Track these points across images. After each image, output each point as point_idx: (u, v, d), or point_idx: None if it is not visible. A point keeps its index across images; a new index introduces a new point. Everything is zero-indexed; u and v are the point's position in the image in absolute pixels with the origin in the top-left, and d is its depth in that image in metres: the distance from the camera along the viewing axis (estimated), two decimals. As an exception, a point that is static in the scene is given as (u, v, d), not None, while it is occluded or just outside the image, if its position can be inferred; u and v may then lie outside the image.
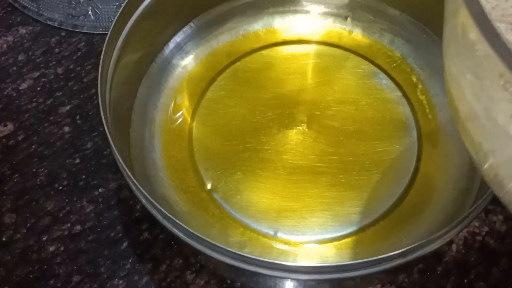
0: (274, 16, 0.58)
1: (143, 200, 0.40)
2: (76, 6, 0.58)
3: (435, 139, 0.51)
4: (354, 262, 0.38)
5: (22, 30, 0.58)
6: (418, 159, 0.50)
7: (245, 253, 0.38)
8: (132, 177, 0.39)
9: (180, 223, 0.38)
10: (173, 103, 0.53)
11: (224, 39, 0.56)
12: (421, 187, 0.49)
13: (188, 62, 0.55)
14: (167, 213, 0.38)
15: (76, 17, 0.58)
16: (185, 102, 0.53)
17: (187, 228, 0.38)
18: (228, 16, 0.56)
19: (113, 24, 0.46)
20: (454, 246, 0.47)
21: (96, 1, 0.58)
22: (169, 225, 0.39)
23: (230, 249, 0.37)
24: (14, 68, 0.56)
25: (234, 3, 0.56)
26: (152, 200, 0.39)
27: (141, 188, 0.39)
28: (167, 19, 0.53)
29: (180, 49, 0.55)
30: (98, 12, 0.58)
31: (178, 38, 0.55)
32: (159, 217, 0.39)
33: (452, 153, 0.50)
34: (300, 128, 0.52)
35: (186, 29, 0.55)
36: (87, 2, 0.58)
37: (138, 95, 0.52)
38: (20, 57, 0.57)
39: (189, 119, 0.52)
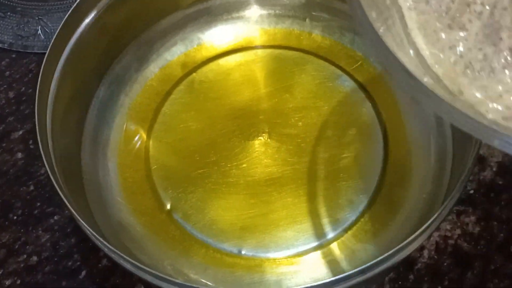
0: (229, 22, 0.56)
1: (88, 232, 0.38)
2: (25, 26, 0.56)
3: (402, 140, 0.49)
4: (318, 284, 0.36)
5: (-29, 55, 0.56)
6: (385, 164, 0.48)
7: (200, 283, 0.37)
8: (73, 211, 0.37)
9: (125, 256, 0.36)
10: (126, 121, 0.51)
11: (177, 50, 0.54)
12: (388, 192, 0.47)
13: (141, 76, 0.53)
14: (112, 247, 0.36)
15: (26, 38, 0.56)
16: (140, 119, 0.51)
17: (133, 262, 0.36)
18: (180, 26, 0.54)
19: (52, 41, 0.45)
20: (425, 252, 0.45)
21: (46, 20, 0.56)
22: (116, 258, 0.37)
23: (178, 281, 0.35)
24: (-36, 95, 0.54)
25: (186, 12, 0.54)
26: (95, 235, 0.37)
27: (82, 222, 0.37)
28: (116, 32, 0.51)
29: (132, 64, 0.53)
30: (48, 31, 0.56)
31: (129, 52, 0.53)
32: (106, 250, 0.37)
33: (419, 155, 0.48)
34: (262, 138, 0.50)
35: (137, 42, 0.53)
36: (36, 22, 0.56)
37: (88, 115, 0.50)
38: (-31, 83, 0.55)
39: (145, 137, 0.50)
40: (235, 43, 0.55)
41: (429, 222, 0.36)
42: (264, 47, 0.55)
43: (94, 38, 0.49)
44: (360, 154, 0.49)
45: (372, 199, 0.47)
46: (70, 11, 0.46)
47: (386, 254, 0.35)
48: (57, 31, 0.45)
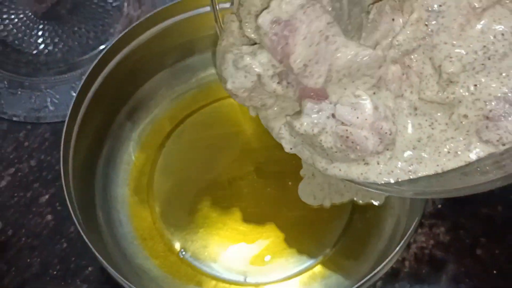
0: (208, 77, 0.63)
1: (118, 280, 0.46)
2: (36, 99, 0.63)
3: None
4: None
5: (-10, 130, 0.63)
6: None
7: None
8: (105, 262, 0.47)
9: None
10: (128, 176, 0.59)
11: (166, 105, 0.62)
12: (363, 212, 0.55)
13: (135, 134, 0.61)
14: None
15: (38, 110, 0.63)
16: (140, 173, 0.59)
17: None
18: (166, 82, 0.62)
19: (69, 112, 0.53)
20: (407, 263, 0.54)
21: (53, 92, 0.63)
22: None
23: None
24: (-9, 168, 0.61)
25: (171, 70, 0.62)
26: (125, 281, 0.46)
27: (114, 271, 0.47)
28: (111, 98, 0.59)
29: (127, 124, 0.61)
30: (57, 101, 0.63)
31: (122, 113, 0.61)
32: None
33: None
34: (250, 177, 0.58)
35: (130, 103, 0.61)
36: (45, 94, 0.63)
37: (96, 175, 0.58)
38: (-7, 157, 0.62)
39: (146, 189, 0.58)
40: (215, 94, 0.63)
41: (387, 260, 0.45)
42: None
43: (96, 107, 0.57)
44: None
45: (349, 221, 0.55)
46: (79, 87, 0.54)
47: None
48: (72, 104, 0.53)
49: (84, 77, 0.54)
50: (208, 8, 0.57)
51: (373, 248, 0.53)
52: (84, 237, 0.48)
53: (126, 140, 0.61)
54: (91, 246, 0.48)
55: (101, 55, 0.55)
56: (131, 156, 0.60)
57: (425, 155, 0.40)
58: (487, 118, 0.37)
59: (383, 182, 0.40)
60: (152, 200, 0.58)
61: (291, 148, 0.42)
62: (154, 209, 0.58)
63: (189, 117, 0.62)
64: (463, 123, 0.38)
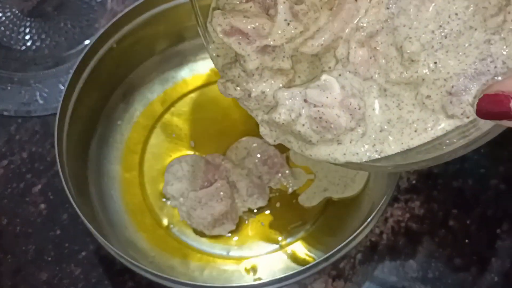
0: (198, 62, 0.66)
1: (112, 253, 0.49)
2: (25, 94, 0.66)
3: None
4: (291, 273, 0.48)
5: (-18, 125, 0.66)
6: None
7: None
8: (102, 238, 0.49)
9: (141, 265, 0.49)
10: (121, 154, 0.62)
11: (157, 89, 0.65)
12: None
13: (128, 114, 0.64)
14: (132, 261, 0.49)
15: (28, 104, 0.65)
16: (132, 151, 0.62)
17: (150, 270, 0.48)
18: (156, 68, 0.65)
19: (61, 102, 0.55)
20: (384, 235, 0.57)
21: (42, 87, 0.66)
22: (137, 270, 0.49)
23: (189, 282, 0.48)
24: (-16, 162, 0.64)
25: (161, 56, 0.65)
26: (119, 252, 0.49)
27: (111, 246, 0.49)
28: (105, 81, 0.62)
29: (120, 105, 0.64)
30: (46, 95, 0.66)
31: (117, 95, 0.64)
32: (128, 264, 0.49)
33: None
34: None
35: (123, 86, 0.64)
36: (34, 89, 0.66)
37: (90, 152, 0.61)
38: (-14, 150, 0.64)
39: (137, 167, 0.61)
40: (204, 79, 0.66)
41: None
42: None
43: (90, 90, 0.59)
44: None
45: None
46: (71, 73, 0.57)
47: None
48: (64, 93, 0.56)
49: (76, 63, 0.57)
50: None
51: (350, 226, 0.56)
52: (77, 209, 0.51)
53: (119, 120, 0.63)
54: (86, 222, 0.51)
55: (91, 42, 0.57)
56: (123, 135, 0.63)
57: (391, 136, 0.42)
58: (450, 94, 0.40)
59: (363, 161, 0.42)
60: (142, 177, 0.61)
61: (274, 141, 0.44)
62: (145, 186, 0.60)
63: (179, 100, 0.65)
64: (428, 101, 0.41)
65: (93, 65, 0.59)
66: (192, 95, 0.65)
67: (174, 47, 0.65)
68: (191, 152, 0.62)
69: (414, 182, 0.59)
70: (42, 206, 0.61)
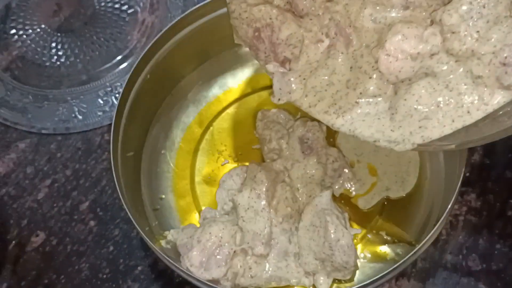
0: (226, 77, 0.65)
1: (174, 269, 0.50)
2: (63, 111, 0.65)
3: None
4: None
5: (22, 145, 0.65)
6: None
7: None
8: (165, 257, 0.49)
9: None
10: (171, 183, 0.61)
11: (192, 112, 0.64)
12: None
13: (171, 143, 0.63)
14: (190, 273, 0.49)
15: (67, 121, 0.64)
16: (181, 178, 0.61)
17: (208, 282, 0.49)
18: (188, 91, 0.65)
19: (112, 126, 0.55)
20: (443, 231, 0.57)
21: (80, 102, 0.65)
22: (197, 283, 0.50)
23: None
24: (27, 182, 0.63)
25: (190, 78, 0.64)
26: (178, 265, 0.49)
27: (168, 259, 0.49)
28: (145, 116, 0.61)
29: (160, 135, 0.63)
30: (84, 110, 0.65)
31: (155, 127, 0.63)
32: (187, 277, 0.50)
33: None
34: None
35: (159, 116, 0.63)
36: (72, 105, 0.65)
37: (141, 187, 0.60)
38: (28, 170, 0.63)
39: (190, 192, 0.60)
40: (236, 92, 0.65)
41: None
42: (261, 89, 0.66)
43: (132, 123, 0.58)
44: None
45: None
46: (120, 96, 0.56)
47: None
48: (115, 113, 0.55)
49: (121, 88, 0.56)
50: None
51: (411, 226, 0.56)
52: (134, 221, 0.50)
53: (162, 150, 0.62)
54: (146, 238, 0.50)
55: (129, 75, 0.57)
56: (169, 164, 0.62)
57: (443, 115, 0.43)
58: (504, 64, 0.41)
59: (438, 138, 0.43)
60: (197, 201, 0.60)
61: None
62: (201, 208, 0.60)
63: (216, 118, 0.64)
64: (480, 80, 0.41)
65: (132, 99, 0.58)
66: (227, 111, 0.65)
67: (200, 67, 0.65)
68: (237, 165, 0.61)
69: (468, 174, 0.59)
70: (92, 223, 0.60)
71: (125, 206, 0.51)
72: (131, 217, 0.51)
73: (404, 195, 0.57)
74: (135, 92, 0.58)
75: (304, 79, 0.48)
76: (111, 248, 0.59)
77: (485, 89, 0.41)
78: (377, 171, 0.58)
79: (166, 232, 0.56)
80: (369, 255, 0.55)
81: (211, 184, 0.60)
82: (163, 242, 0.55)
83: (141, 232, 0.50)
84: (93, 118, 0.64)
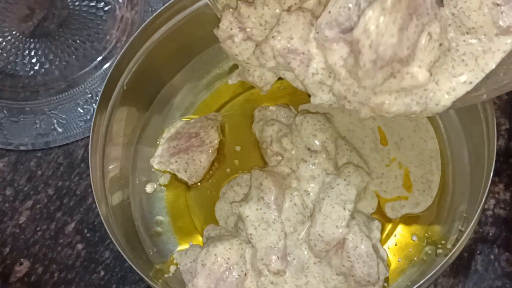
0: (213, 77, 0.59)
1: None
2: (41, 124, 0.59)
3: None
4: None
5: (-1, 164, 0.59)
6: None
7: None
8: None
9: None
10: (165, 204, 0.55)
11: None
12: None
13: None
14: None
15: (46, 134, 0.58)
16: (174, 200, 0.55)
17: None
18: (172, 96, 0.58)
19: (91, 132, 0.49)
20: (488, 212, 0.50)
21: (59, 113, 0.59)
22: None
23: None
24: (7, 205, 0.57)
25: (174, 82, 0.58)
26: None
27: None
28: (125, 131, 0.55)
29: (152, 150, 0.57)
30: (64, 122, 0.59)
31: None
32: None
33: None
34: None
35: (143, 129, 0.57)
36: (50, 117, 0.59)
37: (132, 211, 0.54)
38: (7, 192, 0.58)
39: (188, 213, 0.55)
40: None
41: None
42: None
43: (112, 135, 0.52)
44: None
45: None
46: (99, 98, 0.50)
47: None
48: (93, 119, 0.49)
49: (98, 97, 0.50)
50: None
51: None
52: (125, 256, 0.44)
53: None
54: (131, 263, 0.44)
55: (111, 69, 0.51)
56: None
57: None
58: (498, 4, 0.36)
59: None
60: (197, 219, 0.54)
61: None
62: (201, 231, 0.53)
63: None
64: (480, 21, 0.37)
65: (109, 113, 0.52)
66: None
67: (184, 68, 0.58)
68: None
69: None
70: (79, 246, 0.55)
71: (112, 239, 0.46)
72: (122, 253, 0.45)
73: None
74: (112, 105, 0.52)
75: None
76: (102, 273, 0.53)
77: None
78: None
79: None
80: (399, 260, 0.49)
81: (210, 197, 0.54)
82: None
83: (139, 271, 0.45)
84: (74, 130, 0.58)
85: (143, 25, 0.51)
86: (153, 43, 0.53)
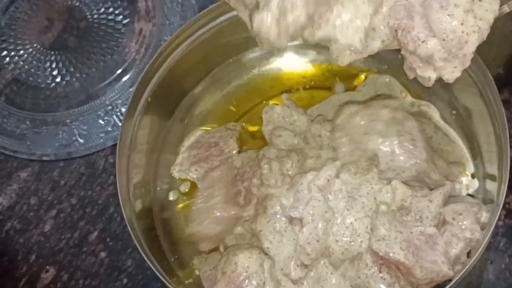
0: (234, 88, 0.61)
1: None
2: (63, 135, 0.61)
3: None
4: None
5: (23, 174, 0.61)
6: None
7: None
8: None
9: None
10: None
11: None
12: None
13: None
14: None
15: (68, 145, 0.60)
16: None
17: None
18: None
19: (118, 144, 0.51)
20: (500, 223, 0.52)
21: (80, 124, 0.61)
22: None
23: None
24: (32, 214, 0.59)
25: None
26: None
27: None
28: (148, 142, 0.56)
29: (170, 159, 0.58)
30: (85, 133, 0.61)
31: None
32: None
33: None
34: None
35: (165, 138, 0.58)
36: (72, 128, 0.61)
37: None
38: (32, 201, 0.60)
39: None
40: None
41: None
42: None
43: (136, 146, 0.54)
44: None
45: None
46: (125, 114, 0.52)
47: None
48: (121, 129, 0.51)
49: (123, 107, 0.54)
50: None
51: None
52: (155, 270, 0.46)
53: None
54: (157, 272, 0.46)
55: (135, 87, 0.53)
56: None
57: None
58: None
59: None
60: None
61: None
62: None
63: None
64: None
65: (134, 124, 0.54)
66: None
67: (204, 79, 0.60)
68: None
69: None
70: (102, 254, 0.57)
71: (136, 244, 0.47)
72: (145, 257, 0.47)
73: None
74: (137, 115, 0.54)
75: None
76: (125, 280, 0.55)
77: None
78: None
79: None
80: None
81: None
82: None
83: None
84: (95, 141, 0.60)
85: (166, 42, 0.53)
86: (175, 58, 0.55)
